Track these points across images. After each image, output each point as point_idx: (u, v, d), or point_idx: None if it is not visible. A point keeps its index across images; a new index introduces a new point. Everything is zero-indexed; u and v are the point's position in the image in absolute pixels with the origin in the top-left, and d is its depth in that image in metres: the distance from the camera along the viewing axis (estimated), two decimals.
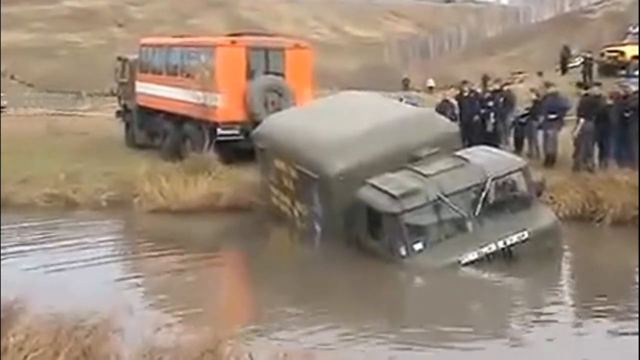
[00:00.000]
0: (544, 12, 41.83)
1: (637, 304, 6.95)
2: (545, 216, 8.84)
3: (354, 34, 52.51)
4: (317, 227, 9.49)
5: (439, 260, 8.11)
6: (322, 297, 7.71)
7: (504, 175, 8.62)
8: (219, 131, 13.02)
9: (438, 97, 15.97)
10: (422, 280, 8.26)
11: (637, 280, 8.11)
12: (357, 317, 6.89)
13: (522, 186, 8.78)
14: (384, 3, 56.65)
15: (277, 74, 13.49)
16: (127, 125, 17.10)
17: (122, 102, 17.53)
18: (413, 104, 14.77)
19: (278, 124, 10.87)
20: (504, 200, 8.61)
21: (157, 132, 15.37)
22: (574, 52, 27.82)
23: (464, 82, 14.50)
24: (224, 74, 13.02)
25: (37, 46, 43.13)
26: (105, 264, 9.08)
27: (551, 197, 10.62)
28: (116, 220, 11.75)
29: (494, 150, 9.61)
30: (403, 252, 8.17)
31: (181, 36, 16.23)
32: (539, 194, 9.17)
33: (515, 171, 8.77)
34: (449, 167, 8.59)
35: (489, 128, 13.42)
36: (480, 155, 9.01)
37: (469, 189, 8.40)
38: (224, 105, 12.98)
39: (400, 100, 13.68)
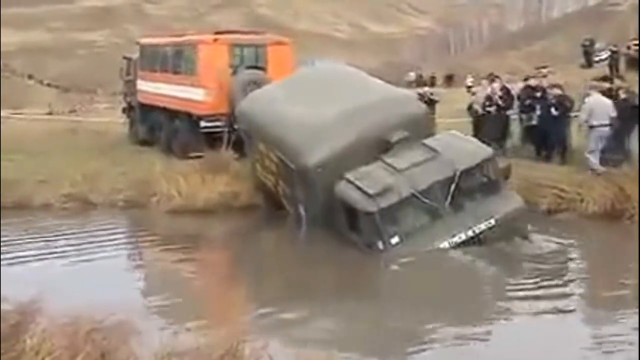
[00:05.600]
0: (567, 5, 40.96)
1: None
2: (512, 201, 9.16)
3: (373, 30, 52.17)
4: (302, 211, 9.75)
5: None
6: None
7: (473, 167, 8.97)
8: (202, 124, 13.65)
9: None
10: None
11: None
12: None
13: (490, 173, 9.16)
14: None
15: (259, 68, 14.00)
16: (131, 122, 17.58)
17: (127, 99, 17.99)
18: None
19: (257, 106, 11.03)
20: (474, 188, 9.01)
21: (155, 127, 15.91)
22: (599, 45, 27.11)
23: (495, 78, 14.02)
24: (207, 70, 13.68)
25: (56, 45, 43.36)
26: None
27: (579, 194, 10.38)
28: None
29: (464, 137, 9.84)
30: (380, 246, 8.52)
31: (177, 35, 16.71)
32: (506, 177, 9.53)
33: (484, 161, 9.11)
34: (420, 161, 8.96)
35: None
36: (449, 144, 9.26)
37: (439, 181, 8.74)
38: (207, 99, 13.64)
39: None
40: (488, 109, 13.26)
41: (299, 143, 9.47)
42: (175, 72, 14.79)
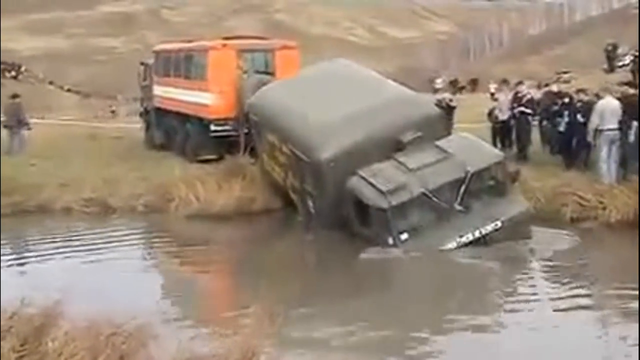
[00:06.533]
0: (590, 9, 40.31)
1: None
2: (518, 204, 9.37)
3: (390, 35, 52.09)
4: (310, 203, 9.89)
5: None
6: None
7: (483, 170, 9.19)
8: (212, 127, 13.95)
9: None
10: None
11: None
12: None
13: (499, 176, 9.38)
14: (422, 2, 55.97)
15: (267, 73, 14.11)
16: (147, 126, 17.82)
17: (144, 104, 18.27)
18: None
19: (270, 98, 11.21)
20: (483, 190, 9.22)
21: (170, 131, 16.15)
22: (622, 49, 26.62)
23: (519, 83, 13.89)
24: (217, 75, 14.01)
25: (76, 51, 43.77)
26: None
27: (601, 202, 10.22)
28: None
29: (475, 140, 9.96)
30: (390, 241, 8.79)
31: (189, 41, 16.95)
32: (513, 181, 9.70)
33: (493, 165, 9.33)
34: (432, 162, 9.16)
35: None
36: (461, 146, 9.45)
37: (450, 183, 8.96)
38: (216, 103, 13.96)
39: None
40: (519, 109, 12.98)
41: (313, 138, 9.66)
42: (187, 77, 15.11)
